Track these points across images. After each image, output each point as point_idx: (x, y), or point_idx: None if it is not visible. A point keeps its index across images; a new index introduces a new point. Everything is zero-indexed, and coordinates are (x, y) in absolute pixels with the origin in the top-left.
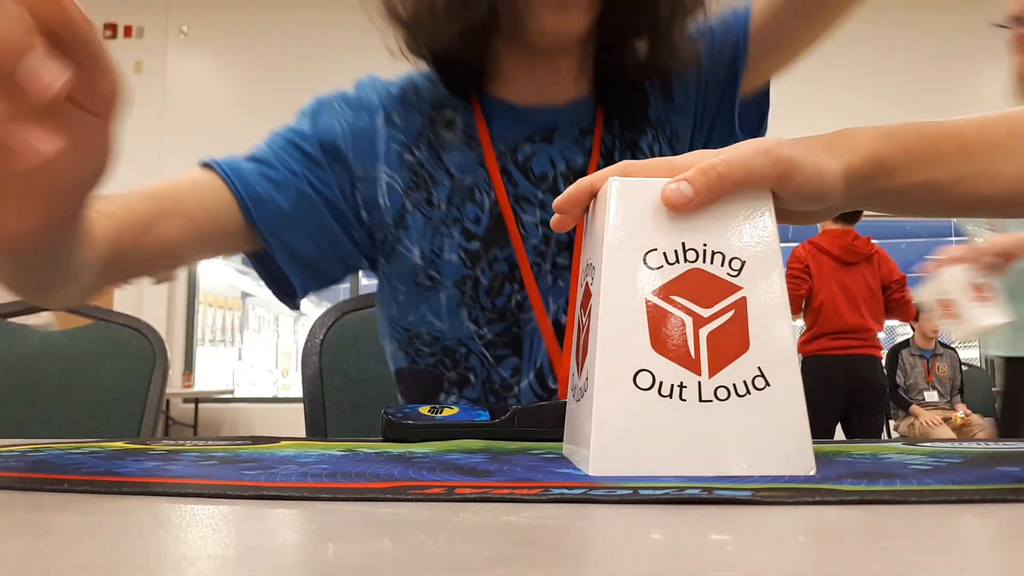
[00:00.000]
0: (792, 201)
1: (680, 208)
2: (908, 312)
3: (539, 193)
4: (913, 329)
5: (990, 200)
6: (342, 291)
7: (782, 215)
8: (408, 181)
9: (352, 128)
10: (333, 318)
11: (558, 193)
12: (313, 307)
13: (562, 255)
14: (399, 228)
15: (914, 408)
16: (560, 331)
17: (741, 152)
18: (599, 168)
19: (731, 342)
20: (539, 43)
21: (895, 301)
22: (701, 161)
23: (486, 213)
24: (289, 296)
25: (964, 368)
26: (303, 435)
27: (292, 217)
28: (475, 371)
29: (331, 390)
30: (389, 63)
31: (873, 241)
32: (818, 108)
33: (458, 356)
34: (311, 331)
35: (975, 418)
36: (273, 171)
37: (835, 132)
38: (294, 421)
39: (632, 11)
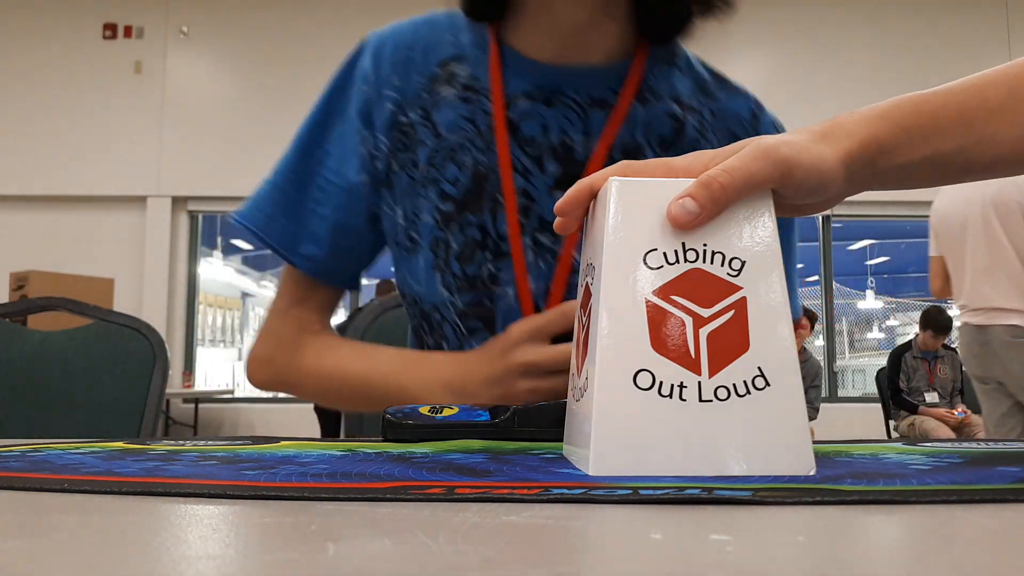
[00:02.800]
0: (794, 196)
1: (687, 226)
2: None
3: (522, 158)
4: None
5: (993, 165)
6: None
7: (784, 208)
8: (396, 142)
9: (360, 101)
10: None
11: (540, 163)
12: None
13: (544, 233)
14: (384, 187)
15: (923, 409)
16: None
17: (741, 159)
18: (593, 147)
19: (731, 342)
20: None
21: None
22: (698, 162)
23: (466, 173)
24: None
25: (964, 369)
26: (303, 435)
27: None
28: (448, 340)
29: None
30: None
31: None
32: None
33: (433, 322)
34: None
35: (975, 418)
36: (324, 221)
37: (829, 121)
38: (294, 421)
39: None
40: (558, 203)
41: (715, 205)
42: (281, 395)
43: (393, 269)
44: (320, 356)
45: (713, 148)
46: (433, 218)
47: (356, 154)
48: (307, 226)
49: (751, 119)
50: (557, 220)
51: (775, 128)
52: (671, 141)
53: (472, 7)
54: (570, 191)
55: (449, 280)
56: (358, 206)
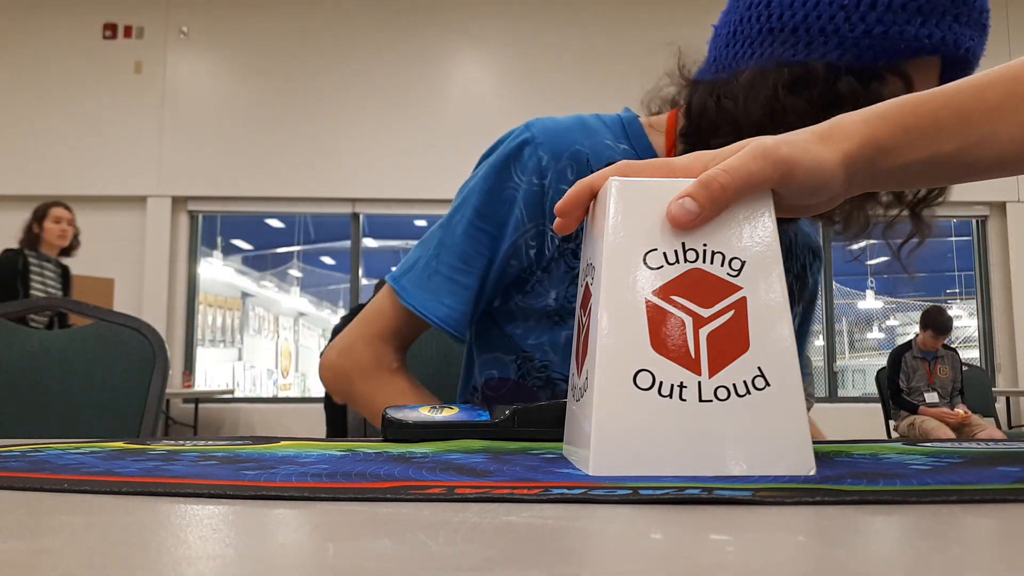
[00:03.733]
0: (794, 197)
1: (687, 225)
2: None
3: None
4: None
5: (995, 165)
6: (342, 292)
7: (784, 209)
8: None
9: (525, 193)
10: None
11: None
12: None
13: None
14: (544, 272)
15: (923, 409)
16: None
17: (740, 159)
18: None
19: (731, 342)
20: None
21: None
22: (698, 162)
23: None
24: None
25: (964, 368)
26: (303, 435)
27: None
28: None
29: None
30: (388, 67)
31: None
32: None
33: (558, 390)
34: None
35: (976, 418)
36: (464, 280)
37: (829, 122)
38: (294, 421)
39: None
40: (559, 204)
41: (714, 205)
42: (280, 395)
43: (520, 331)
44: (392, 400)
45: (794, 267)
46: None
47: (510, 241)
48: (443, 287)
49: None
50: (557, 220)
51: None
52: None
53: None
54: (570, 191)
55: None
56: (491, 279)
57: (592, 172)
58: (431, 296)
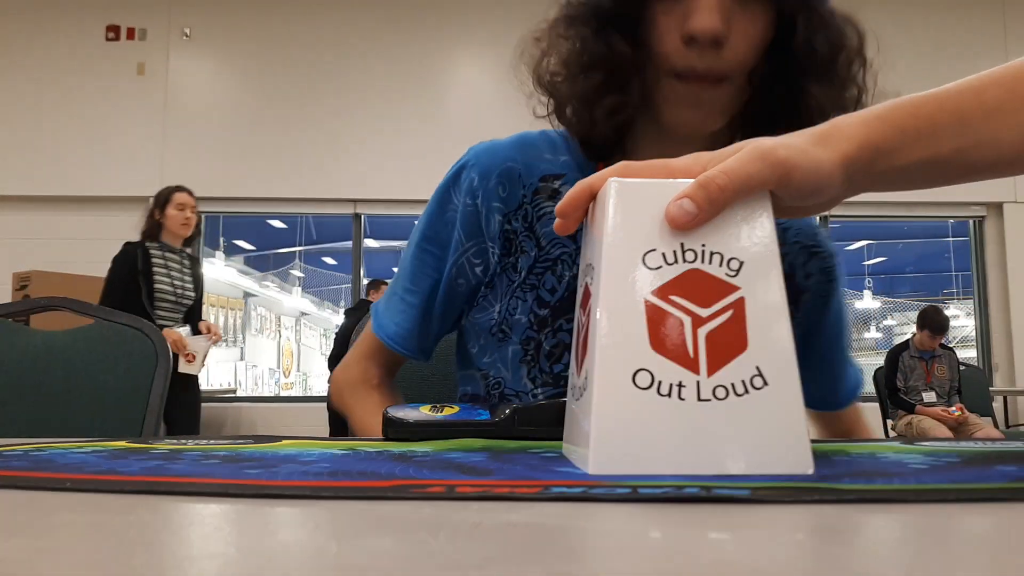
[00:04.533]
0: (792, 199)
1: (685, 226)
2: None
3: None
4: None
5: (993, 166)
6: (343, 292)
7: (782, 210)
8: (502, 248)
9: (462, 215)
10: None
11: None
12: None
13: None
14: (487, 288)
15: (920, 408)
16: None
17: (739, 160)
18: None
19: (729, 342)
20: (673, 134)
21: None
22: (696, 163)
23: (563, 285)
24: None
25: (962, 368)
26: (305, 434)
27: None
28: None
29: None
30: (390, 68)
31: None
32: None
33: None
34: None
35: (974, 417)
36: (414, 299)
37: (827, 123)
38: (296, 420)
39: (772, 117)
40: (559, 205)
41: (713, 206)
42: (282, 394)
43: (476, 350)
44: (367, 413)
45: (785, 262)
46: (528, 319)
47: (452, 261)
48: (396, 307)
49: (814, 231)
50: (557, 221)
51: (829, 242)
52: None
53: (593, 153)
54: (570, 192)
55: (536, 374)
56: (439, 299)
57: (524, 187)
58: (387, 316)
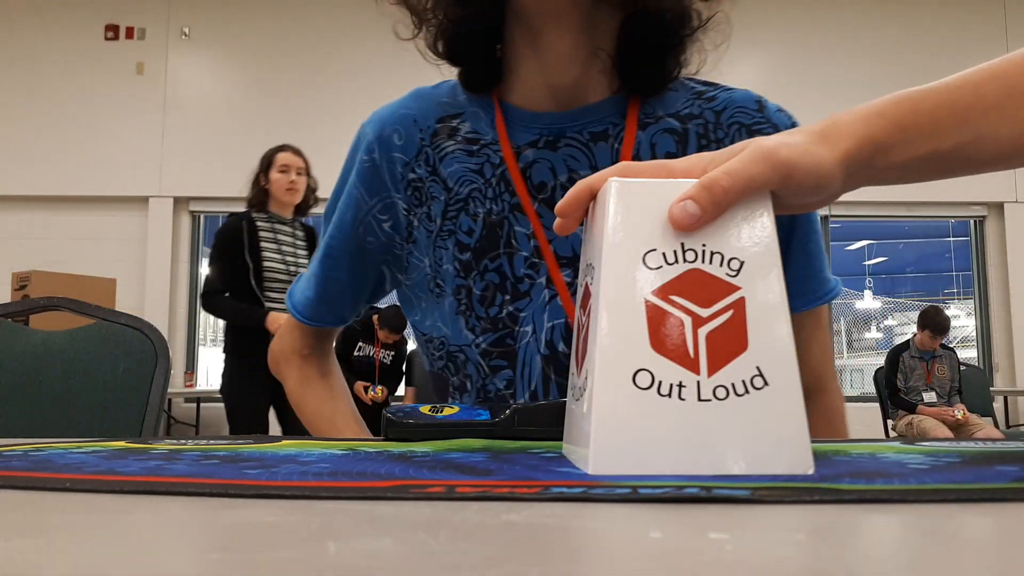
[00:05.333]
0: (793, 197)
1: (688, 228)
2: None
3: (535, 204)
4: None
5: (992, 160)
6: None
7: (781, 207)
8: (411, 199)
9: (358, 172)
10: None
11: (552, 205)
12: None
13: (564, 271)
14: (409, 243)
15: (921, 408)
16: (555, 356)
17: (741, 161)
18: None
19: (730, 342)
20: (538, 15)
21: None
22: (697, 164)
23: (479, 223)
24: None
25: (962, 368)
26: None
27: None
28: (471, 378)
29: None
30: (391, 67)
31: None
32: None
33: (459, 362)
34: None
35: (974, 417)
36: (326, 271)
37: (826, 121)
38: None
39: None
40: (559, 204)
41: (716, 208)
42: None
43: (417, 317)
44: (296, 382)
45: (722, 146)
46: (454, 267)
47: (351, 220)
48: (303, 280)
49: (756, 107)
50: (557, 221)
51: (783, 114)
52: (678, 153)
53: (472, 81)
54: (570, 191)
55: (473, 323)
56: (339, 263)
57: (420, 139)
58: (297, 289)
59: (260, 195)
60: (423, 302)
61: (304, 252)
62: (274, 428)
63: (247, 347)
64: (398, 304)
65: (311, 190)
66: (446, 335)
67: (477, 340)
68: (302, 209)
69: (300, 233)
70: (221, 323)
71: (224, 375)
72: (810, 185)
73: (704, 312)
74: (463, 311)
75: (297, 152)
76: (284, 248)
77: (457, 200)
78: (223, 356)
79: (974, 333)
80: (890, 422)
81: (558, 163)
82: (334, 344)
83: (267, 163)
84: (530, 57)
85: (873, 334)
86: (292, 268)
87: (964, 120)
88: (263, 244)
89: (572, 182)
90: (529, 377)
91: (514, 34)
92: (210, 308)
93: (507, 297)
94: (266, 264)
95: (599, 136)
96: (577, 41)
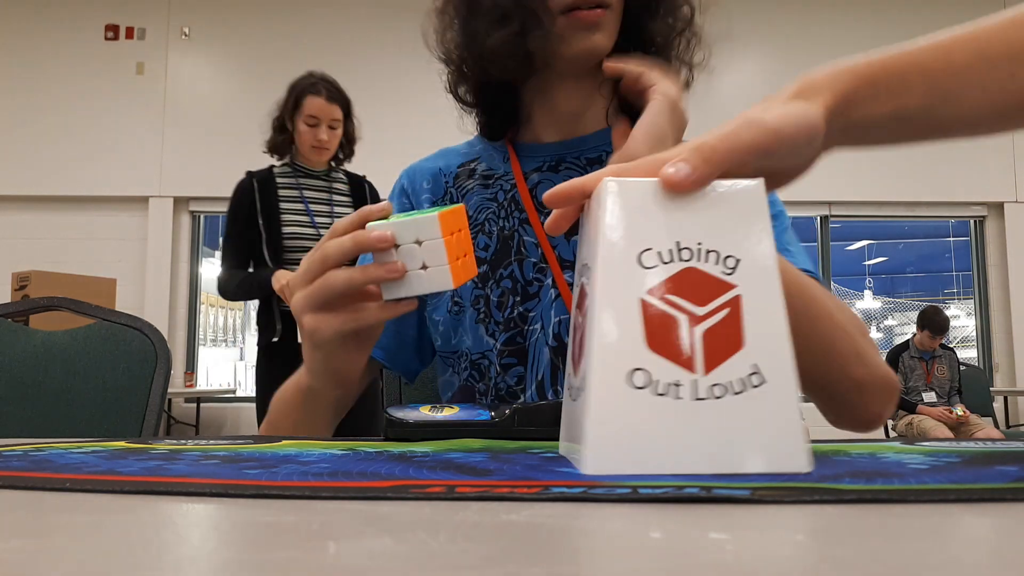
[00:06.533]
0: (788, 156)
1: (681, 186)
2: None
3: (541, 217)
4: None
5: (959, 124)
6: None
7: (776, 177)
8: None
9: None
10: None
11: None
12: None
13: (566, 274)
14: None
15: (921, 408)
16: (562, 347)
17: (728, 126)
18: None
19: (726, 340)
20: (569, 69)
21: None
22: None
23: (493, 239)
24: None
25: (962, 368)
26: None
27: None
28: (491, 379)
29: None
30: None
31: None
32: None
33: (482, 368)
34: None
35: (974, 417)
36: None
37: (798, 81)
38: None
39: (644, 28)
40: (546, 194)
41: (708, 166)
42: None
43: (440, 343)
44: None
45: None
46: (473, 282)
47: None
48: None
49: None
50: (548, 221)
51: None
52: None
53: (493, 133)
54: (560, 185)
55: (492, 327)
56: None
57: (445, 182)
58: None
59: (283, 142)
60: (441, 326)
61: (346, 209)
62: None
63: (275, 341)
64: None
65: (350, 140)
66: (469, 346)
67: (495, 342)
68: (338, 160)
69: (340, 186)
70: (222, 323)
71: (256, 369)
72: (802, 136)
73: (700, 310)
74: (482, 319)
75: (332, 97)
76: (314, 207)
77: (475, 225)
78: (256, 350)
79: (974, 333)
80: (890, 422)
81: (559, 183)
82: None
83: (293, 105)
84: (543, 105)
85: (873, 334)
86: (324, 231)
87: (933, 81)
88: (283, 205)
89: None
90: (537, 368)
91: (531, 86)
92: (226, 295)
93: (518, 299)
94: (287, 229)
95: (594, 161)
96: (585, 92)
